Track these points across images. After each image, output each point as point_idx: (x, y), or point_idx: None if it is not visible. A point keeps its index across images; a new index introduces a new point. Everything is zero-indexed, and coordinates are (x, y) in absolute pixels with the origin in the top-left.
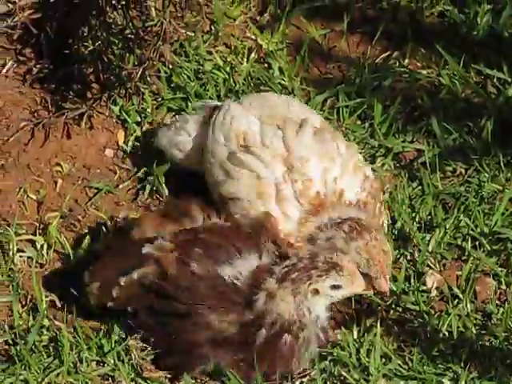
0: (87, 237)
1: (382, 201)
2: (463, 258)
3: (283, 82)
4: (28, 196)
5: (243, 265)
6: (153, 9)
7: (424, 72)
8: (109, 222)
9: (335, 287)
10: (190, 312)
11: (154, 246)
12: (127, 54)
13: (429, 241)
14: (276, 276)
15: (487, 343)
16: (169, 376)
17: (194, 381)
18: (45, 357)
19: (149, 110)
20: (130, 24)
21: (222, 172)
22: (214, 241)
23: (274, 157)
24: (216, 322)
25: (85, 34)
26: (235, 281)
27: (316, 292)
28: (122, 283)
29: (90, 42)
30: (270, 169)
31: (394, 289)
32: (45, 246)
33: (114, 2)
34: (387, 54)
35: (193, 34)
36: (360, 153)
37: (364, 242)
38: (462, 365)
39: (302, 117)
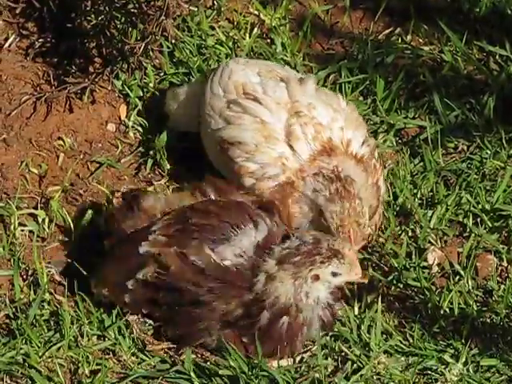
0: (89, 211)
1: (378, 158)
2: (464, 234)
3: (286, 58)
4: (30, 170)
5: (243, 241)
6: None
7: (426, 48)
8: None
9: (335, 274)
10: (196, 301)
11: (150, 243)
12: (130, 29)
13: (430, 217)
14: (275, 257)
15: (488, 320)
16: (170, 349)
17: (194, 355)
18: (46, 331)
19: (151, 84)
20: None
21: (221, 120)
22: (206, 223)
23: (278, 104)
24: (222, 307)
25: (87, 8)
26: (239, 262)
27: (316, 278)
28: (131, 287)
29: (93, 16)
30: (276, 115)
31: (396, 265)
32: (46, 220)
33: None
34: (390, 30)
35: (195, 9)
36: None
37: (340, 209)
38: (463, 341)
39: (299, 76)
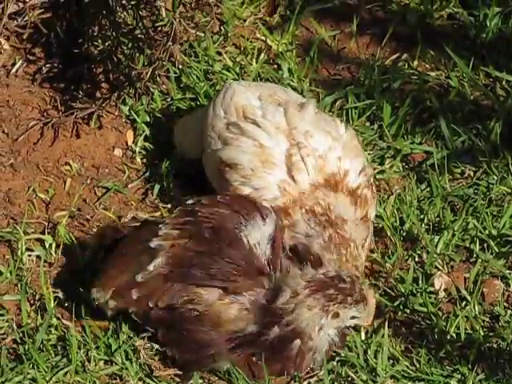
0: (95, 236)
1: (373, 186)
2: (471, 259)
3: (292, 83)
4: (37, 195)
5: (255, 231)
6: (163, 9)
7: (433, 74)
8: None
9: (353, 317)
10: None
11: (161, 237)
12: (137, 54)
13: (437, 242)
14: (306, 278)
15: (495, 345)
16: (177, 375)
17: (201, 380)
18: (53, 356)
19: (158, 109)
20: (140, 24)
21: (220, 142)
22: (216, 214)
23: (277, 128)
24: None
25: (95, 34)
26: (255, 249)
27: (336, 315)
28: (140, 279)
29: (100, 41)
30: (274, 139)
31: (402, 290)
32: (53, 245)
33: (124, 1)
34: (396, 55)
35: (203, 35)
36: (369, 154)
37: (337, 257)
38: (470, 366)
39: (300, 100)
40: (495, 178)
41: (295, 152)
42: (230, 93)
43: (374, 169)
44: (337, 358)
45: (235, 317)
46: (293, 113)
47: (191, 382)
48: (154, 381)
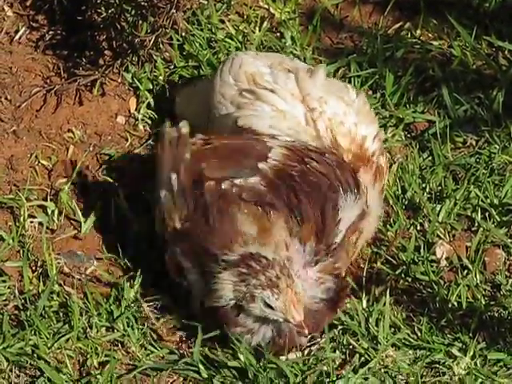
0: (98, 203)
1: (384, 150)
2: (473, 228)
3: (295, 52)
4: (39, 162)
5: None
6: None
7: (436, 43)
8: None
9: (267, 305)
10: None
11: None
12: (140, 22)
13: (439, 211)
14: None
15: (496, 314)
16: (180, 341)
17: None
18: (55, 322)
19: (161, 77)
20: None
21: (233, 107)
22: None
23: (291, 95)
24: None
25: (98, 1)
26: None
27: (252, 299)
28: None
29: (103, 8)
30: (291, 104)
31: (404, 259)
32: (56, 212)
33: None
34: (399, 24)
35: (206, 2)
36: None
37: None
38: (471, 335)
39: (308, 67)
40: (497, 147)
41: (316, 116)
42: (237, 61)
43: None
44: (339, 327)
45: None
46: (304, 78)
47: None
48: (156, 347)
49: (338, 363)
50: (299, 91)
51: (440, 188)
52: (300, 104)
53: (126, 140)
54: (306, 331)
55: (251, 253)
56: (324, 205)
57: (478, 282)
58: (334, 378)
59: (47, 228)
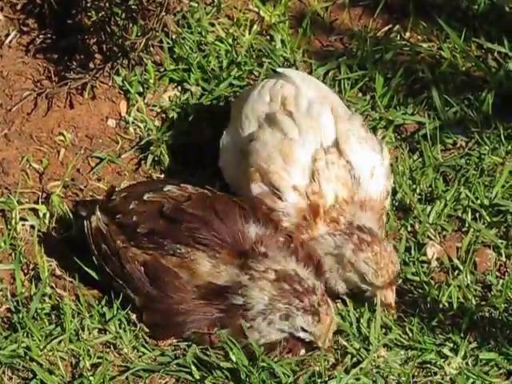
0: (89, 205)
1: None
2: (463, 229)
3: (285, 55)
4: (31, 165)
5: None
6: None
7: (425, 45)
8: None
9: (304, 330)
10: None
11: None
12: (130, 25)
13: (429, 212)
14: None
15: (487, 314)
16: (172, 344)
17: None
18: (47, 324)
19: (151, 80)
20: None
21: (255, 124)
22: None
23: (311, 128)
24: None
25: (88, 5)
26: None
27: (286, 318)
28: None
29: (93, 12)
30: (303, 136)
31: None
32: (47, 215)
33: None
34: (389, 27)
35: (196, 5)
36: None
37: (373, 253)
38: (462, 335)
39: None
40: (487, 148)
41: (321, 157)
42: (281, 81)
43: None
44: None
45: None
46: (342, 119)
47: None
48: (148, 349)
49: (330, 363)
50: (329, 130)
51: (430, 189)
52: (315, 140)
53: (117, 143)
54: (329, 353)
55: (297, 273)
56: None
57: (469, 282)
58: (326, 379)
59: (39, 231)
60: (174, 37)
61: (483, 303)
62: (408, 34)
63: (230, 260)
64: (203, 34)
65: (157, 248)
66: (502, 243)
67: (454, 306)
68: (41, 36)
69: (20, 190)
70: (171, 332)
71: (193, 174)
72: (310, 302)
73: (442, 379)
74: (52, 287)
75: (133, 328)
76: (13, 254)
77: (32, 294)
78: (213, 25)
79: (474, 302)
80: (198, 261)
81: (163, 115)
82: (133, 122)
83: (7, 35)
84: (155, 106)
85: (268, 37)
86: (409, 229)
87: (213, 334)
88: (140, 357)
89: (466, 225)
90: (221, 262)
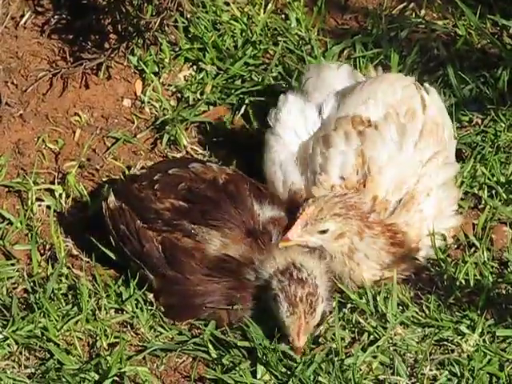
0: (105, 186)
1: None
2: (480, 206)
3: (300, 33)
4: (46, 146)
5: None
6: None
7: (440, 23)
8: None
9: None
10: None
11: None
12: (145, 4)
13: None
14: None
15: (503, 291)
16: (189, 323)
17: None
18: (63, 304)
19: (166, 60)
20: None
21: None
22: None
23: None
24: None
25: None
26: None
27: (274, 298)
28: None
29: None
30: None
31: None
32: (63, 195)
33: None
34: (404, 4)
35: None
36: None
37: None
38: (479, 312)
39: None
40: (503, 125)
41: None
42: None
43: None
44: (348, 305)
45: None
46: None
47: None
48: (165, 328)
49: (347, 341)
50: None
51: None
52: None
53: (133, 123)
54: (298, 356)
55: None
56: None
57: (486, 259)
58: (343, 357)
59: (55, 211)
60: (188, 16)
61: (500, 280)
62: (423, 12)
63: (240, 240)
64: (218, 13)
65: (173, 229)
66: None
67: (471, 283)
68: (56, 16)
69: (36, 170)
70: (188, 314)
71: (209, 153)
72: (293, 291)
73: (459, 356)
74: (68, 267)
75: (150, 307)
76: (29, 235)
77: (49, 274)
78: (228, 4)
79: (491, 279)
80: (210, 241)
81: (178, 95)
82: (148, 102)
83: (22, 16)
84: (170, 85)
85: (283, 15)
86: None
87: (229, 313)
88: (157, 336)
89: (483, 202)
90: (231, 242)
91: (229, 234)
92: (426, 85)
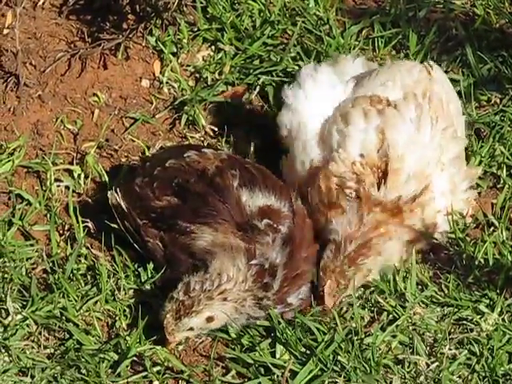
0: (124, 166)
1: None
2: (498, 185)
3: (318, 13)
4: (65, 126)
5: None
6: None
7: (458, 2)
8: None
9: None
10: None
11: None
12: None
13: None
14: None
15: None
16: None
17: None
18: (83, 285)
19: (185, 40)
20: None
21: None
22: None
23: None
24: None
25: None
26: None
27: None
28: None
29: None
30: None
31: None
32: (82, 176)
33: None
34: None
35: None
36: None
37: None
38: (498, 291)
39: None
40: None
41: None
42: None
43: None
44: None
45: None
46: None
47: None
48: None
49: (366, 321)
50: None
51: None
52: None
53: (151, 103)
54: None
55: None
56: None
57: (505, 238)
58: (363, 336)
59: (74, 191)
60: None
61: None
62: None
63: (229, 233)
64: None
65: (170, 228)
66: None
67: (490, 262)
68: None
69: (55, 151)
70: None
71: (228, 133)
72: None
73: (479, 335)
74: (87, 248)
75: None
76: (48, 215)
77: (68, 254)
78: None
79: (510, 258)
80: (202, 236)
81: (197, 75)
82: (167, 82)
83: None
84: (189, 65)
85: None
86: None
87: None
88: None
89: (501, 181)
90: (221, 236)
91: (219, 228)
92: (430, 61)
